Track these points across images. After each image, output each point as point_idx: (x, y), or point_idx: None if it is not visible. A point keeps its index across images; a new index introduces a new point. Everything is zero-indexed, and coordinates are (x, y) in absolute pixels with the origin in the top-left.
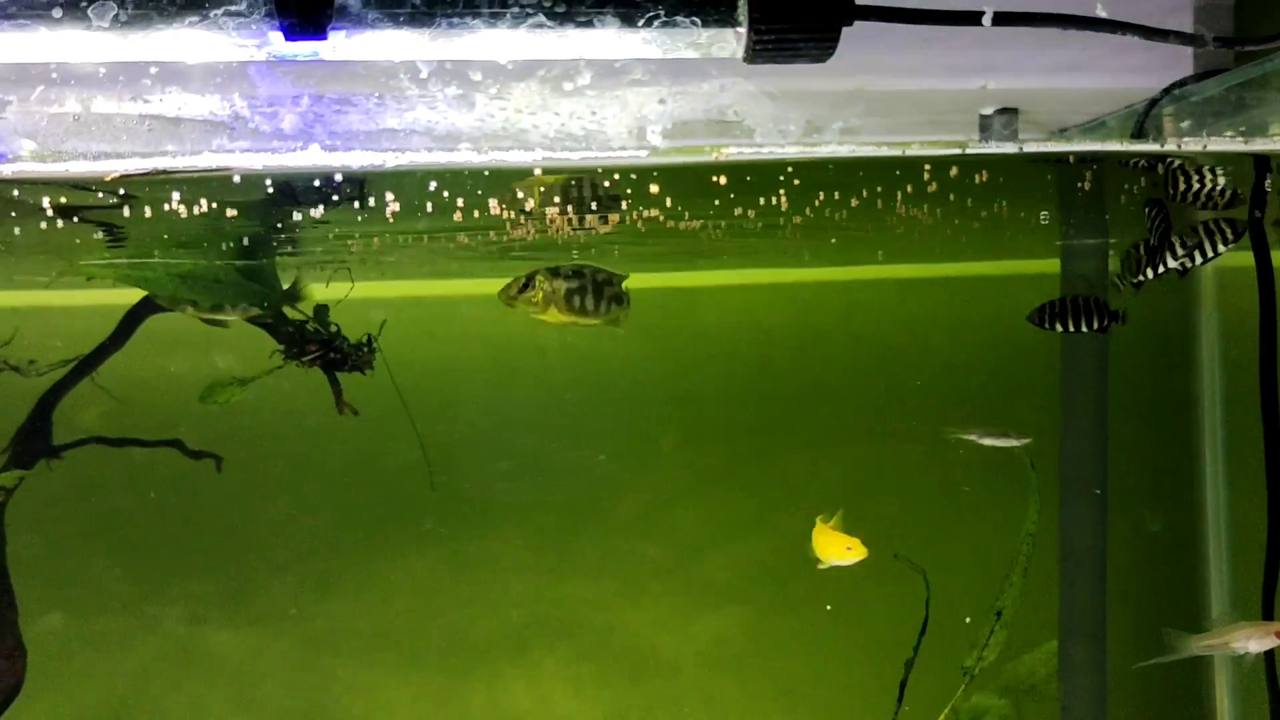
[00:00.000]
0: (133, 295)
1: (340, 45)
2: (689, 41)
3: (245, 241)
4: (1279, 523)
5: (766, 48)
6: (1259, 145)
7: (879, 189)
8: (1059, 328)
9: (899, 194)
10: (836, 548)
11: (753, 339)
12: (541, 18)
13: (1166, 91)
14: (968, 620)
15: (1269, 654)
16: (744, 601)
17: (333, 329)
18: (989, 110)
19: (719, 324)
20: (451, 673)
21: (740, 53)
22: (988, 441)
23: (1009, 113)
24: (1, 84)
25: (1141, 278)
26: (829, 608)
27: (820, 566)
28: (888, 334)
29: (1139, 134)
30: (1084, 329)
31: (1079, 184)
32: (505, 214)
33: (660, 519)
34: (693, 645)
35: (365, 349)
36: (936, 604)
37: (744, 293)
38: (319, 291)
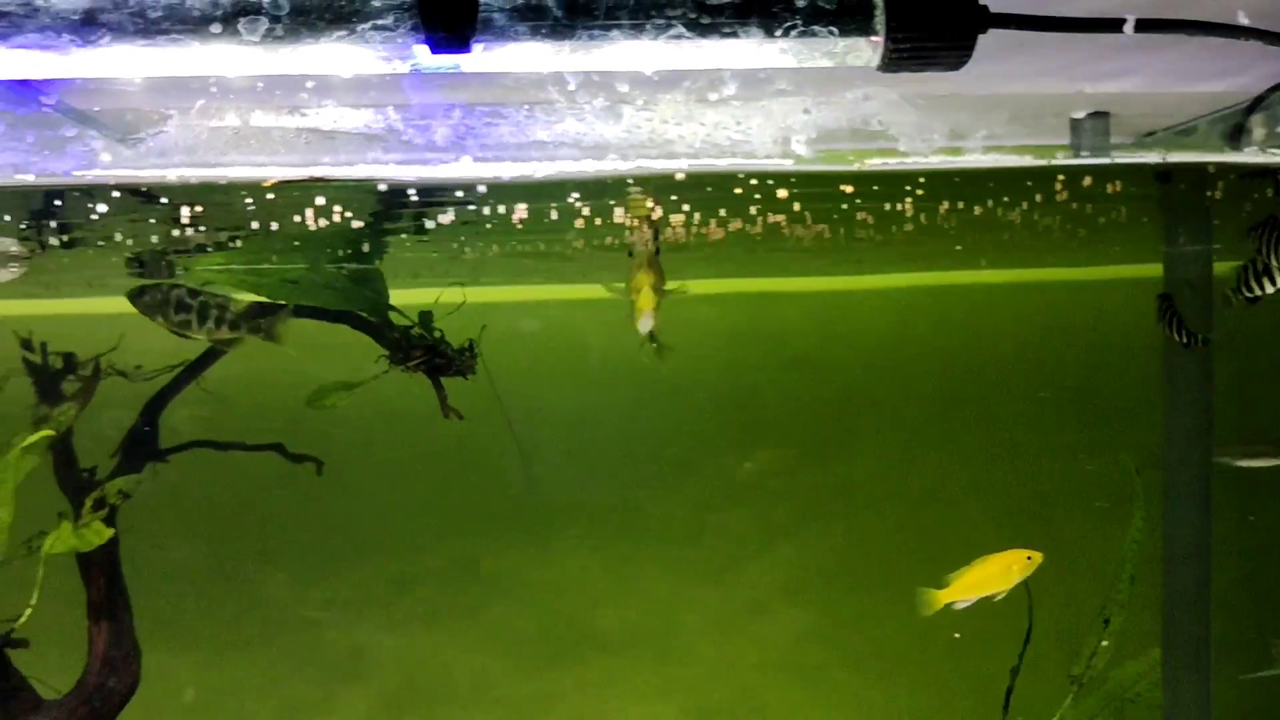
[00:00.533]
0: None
1: (483, 57)
2: (825, 51)
3: (365, 248)
4: None
5: (903, 56)
6: None
7: (1006, 197)
8: (1167, 330)
9: (1013, 201)
10: (1014, 562)
11: (848, 346)
12: (681, 28)
13: (1269, 94)
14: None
15: None
16: (842, 602)
17: (436, 334)
18: (1080, 114)
19: (814, 331)
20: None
21: (875, 61)
22: (1245, 463)
23: (1100, 117)
24: (162, 97)
25: (1258, 293)
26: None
27: (998, 598)
28: (984, 340)
29: (1234, 138)
30: (1177, 338)
31: (1186, 190)
32: (630, 221)
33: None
34: (803, 654)
35: (467, 354)
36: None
37: (836, 299)
38: (428, 299)
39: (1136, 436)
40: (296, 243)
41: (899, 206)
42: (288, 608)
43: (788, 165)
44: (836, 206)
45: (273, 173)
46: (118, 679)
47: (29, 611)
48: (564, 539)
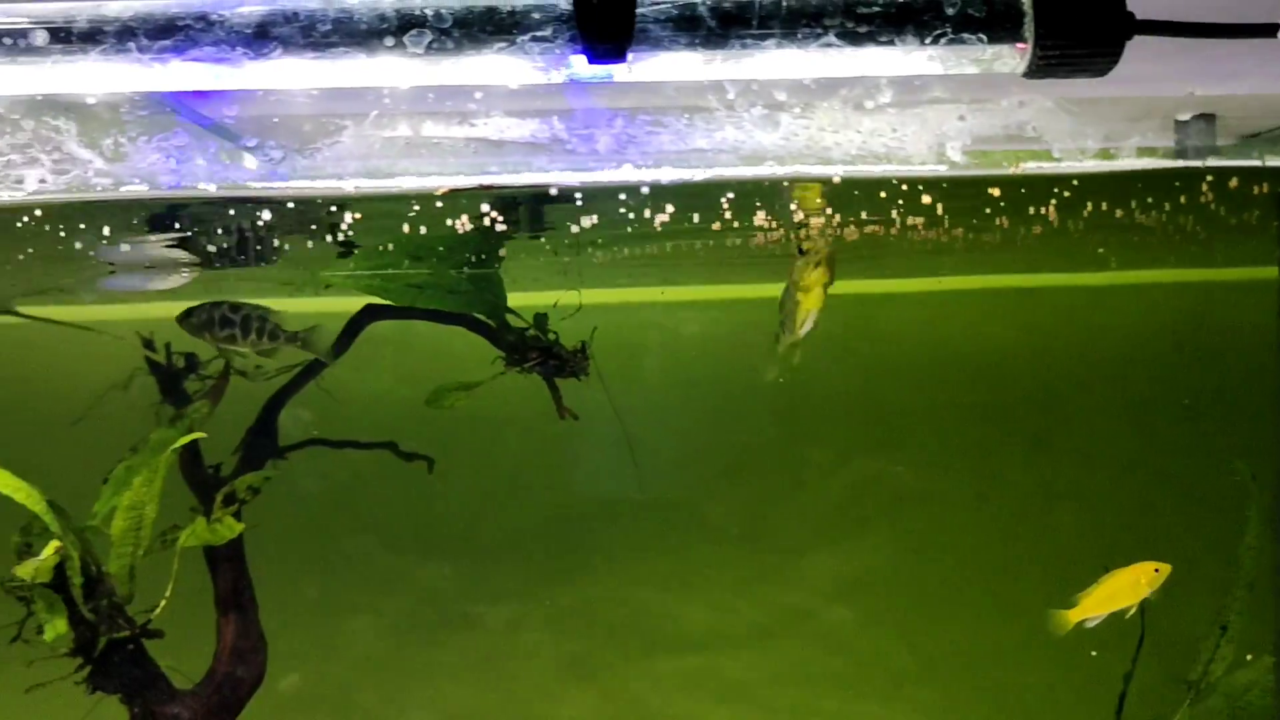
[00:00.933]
0: (353, 304)
1: (638, 68)
2: (972, 58)
3: (481, 255)
4: None
5: (1050, 63)
6: None
7: (1149, 198)
8: None
9: (1135, 202)
10: (1141, 575)
11: (968, 347)
12: (831, 37)
13: None
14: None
15: None
16: (959, 606)
17: (551, 336)
18: (1185, 116)
19: (944, 333)
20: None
21: (1022, 68)
22: None
23: (1206, 118)
24: (336, 108)
25: None
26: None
27: (1129, 613)
28: (1095, 341)
29: None
30: None
31: None
32: (771, 223)
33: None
34: (909, 656)
35: (580, 355)
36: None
37: (948, 299)
38: (545, 300)
39: (1253, 442)
40: (428, 248)
41: (1042, 209)
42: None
43: (942, 170)
44: (979, 210)
45: (443, 181)
46: (245, 668)
47: (163, 603)
48: (668, 538)
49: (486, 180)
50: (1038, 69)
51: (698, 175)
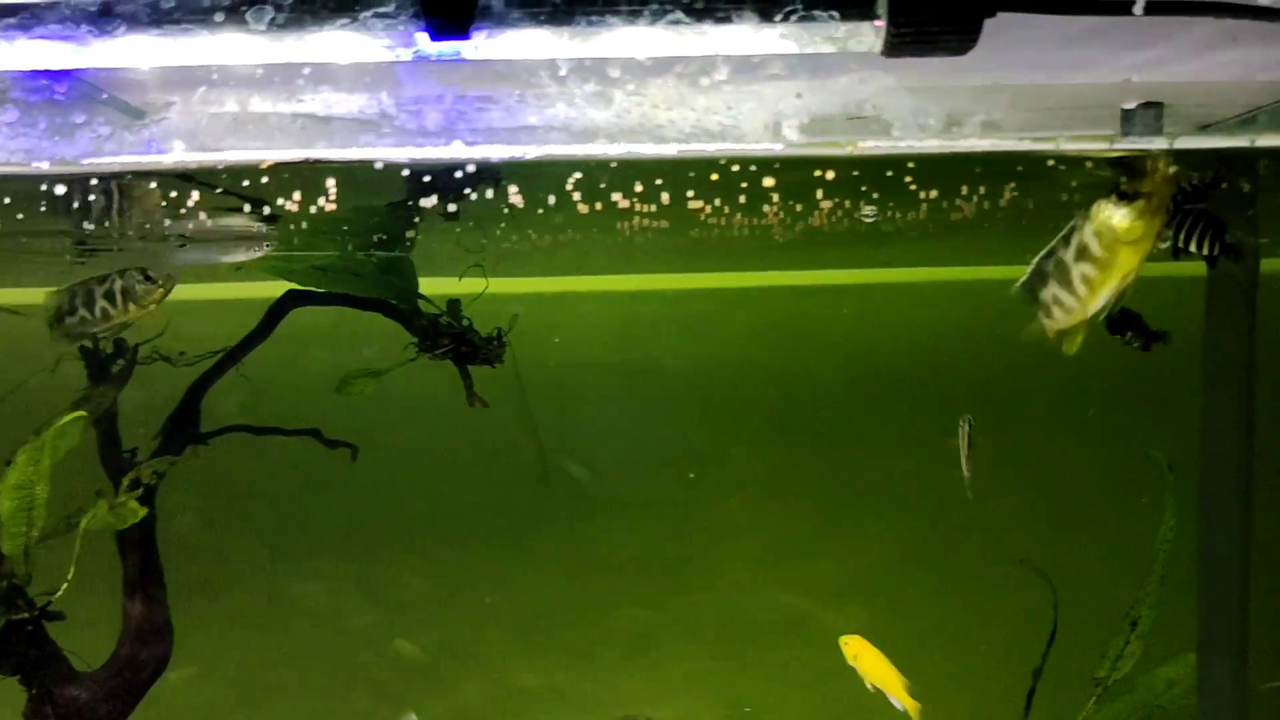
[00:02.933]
0: (276, 289)
1: (482, 44)
2: (826, 36)
3: (384, 236)
4: None
5: (906, 40)
6: None
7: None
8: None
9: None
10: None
11: (863, 340)
12: (680, 14)
13: None
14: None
15: None
16: (862, 602)
17: (465, 323)
18: (1131, 105)
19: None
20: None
21: (879, 46)
22: None
23: (1154, 107)
24: (167, 86)
25: None
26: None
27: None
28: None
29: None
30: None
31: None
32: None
33: (766, 520)
34: (807, 648)
35: (495, 343)
36: (1064, 612)
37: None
38: (452, 286)
39: (1173, 431)
40: (325, 230)
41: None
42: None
43: (778, 149)
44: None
45: (267, 155)
46: (149, 651)
47: (65, 585)
48: (587, 528)
49: (313, 155)
50: (894, 47)
51: (529, 153)
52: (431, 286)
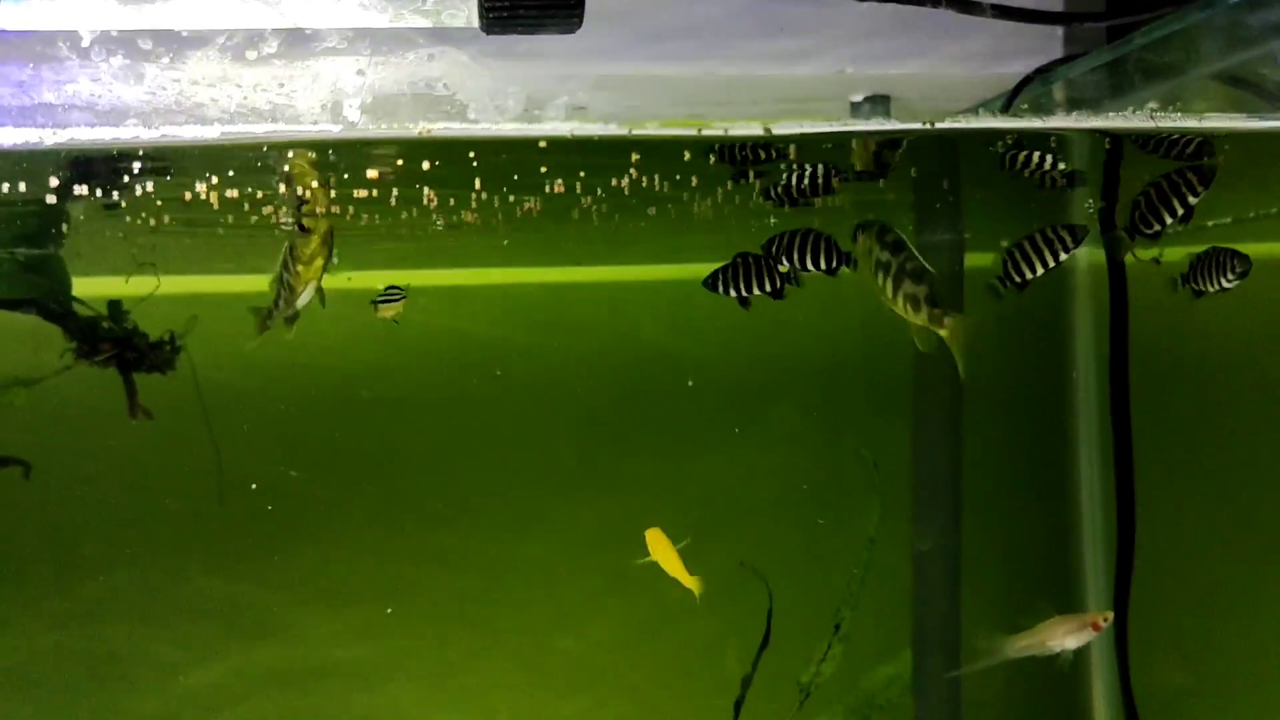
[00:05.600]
0: None
1: (9, 11)
2: (416, 9)
3: (32, 229)
4: (1128, 525)
5: (501, 16)
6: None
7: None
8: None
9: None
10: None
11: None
12: None
13: (1035, 74)
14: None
15: (1123, 661)
16: (578, 616)
17: (129, 326)
18: (859, 97)
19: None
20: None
21: (477, 21)
22: None
23: (880, 100)
24: None
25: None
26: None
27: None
28: (710, 334)
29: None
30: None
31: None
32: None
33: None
34: (525, 664)
35: (166, 348)
36: (782, 617)
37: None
38: (117, 287)
39: (884, 429)
40: None
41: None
42: None
43: (336, 131)
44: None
45: None
46: None
47: None
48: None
49: None
50: (491, 23)
51: (46, 138)
52: (95, 288)
